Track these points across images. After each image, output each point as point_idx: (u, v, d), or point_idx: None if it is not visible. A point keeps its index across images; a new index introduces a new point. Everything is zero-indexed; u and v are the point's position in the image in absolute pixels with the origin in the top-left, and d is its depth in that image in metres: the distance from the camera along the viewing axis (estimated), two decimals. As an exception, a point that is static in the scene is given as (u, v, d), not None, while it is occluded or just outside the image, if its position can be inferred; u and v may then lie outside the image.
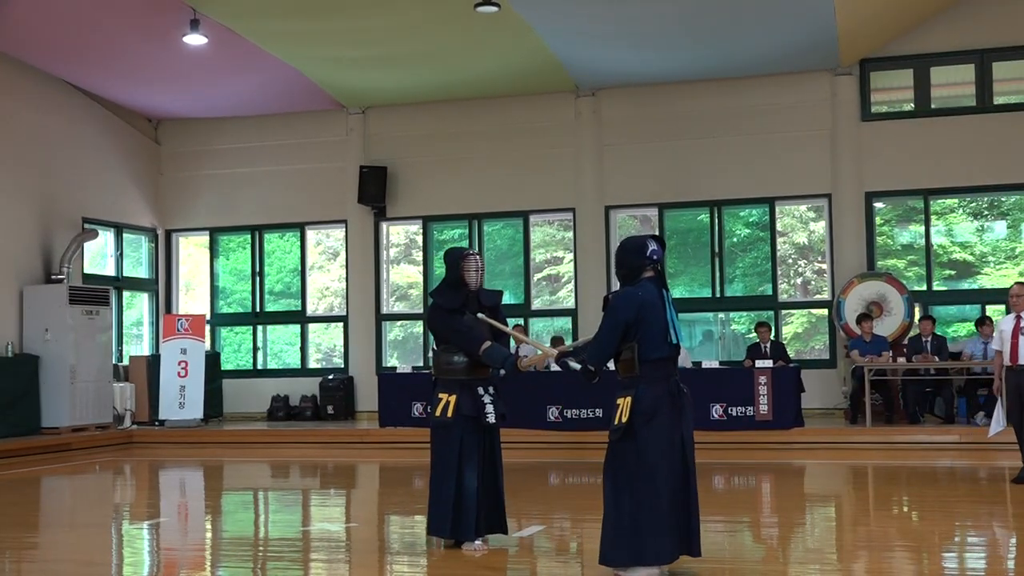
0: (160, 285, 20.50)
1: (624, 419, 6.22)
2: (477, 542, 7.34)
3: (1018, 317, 10.62)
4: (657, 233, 6.61)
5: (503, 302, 7.94)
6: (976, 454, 13.36)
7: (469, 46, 16.26)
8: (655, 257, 6.42)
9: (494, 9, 13.90)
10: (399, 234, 20.27)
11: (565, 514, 9.53)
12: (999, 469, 12.18)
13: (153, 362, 18.41)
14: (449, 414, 7.38)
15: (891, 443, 14.19)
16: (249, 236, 20.36)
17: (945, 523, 8.69)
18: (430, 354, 19.00)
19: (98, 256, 19.18)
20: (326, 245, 20.81)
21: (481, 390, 7.44)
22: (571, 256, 18.86)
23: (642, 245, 6.45)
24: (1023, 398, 10.45)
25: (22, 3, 14.67)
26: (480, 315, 7.45)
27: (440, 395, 7.47)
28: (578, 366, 6.59)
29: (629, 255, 6.48)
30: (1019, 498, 10.06)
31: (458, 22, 15.01)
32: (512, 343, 7.85)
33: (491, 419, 7.40)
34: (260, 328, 20.36)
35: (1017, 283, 11.00)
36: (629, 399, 6.23)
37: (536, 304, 19.00)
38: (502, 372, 7.40)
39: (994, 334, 11.52)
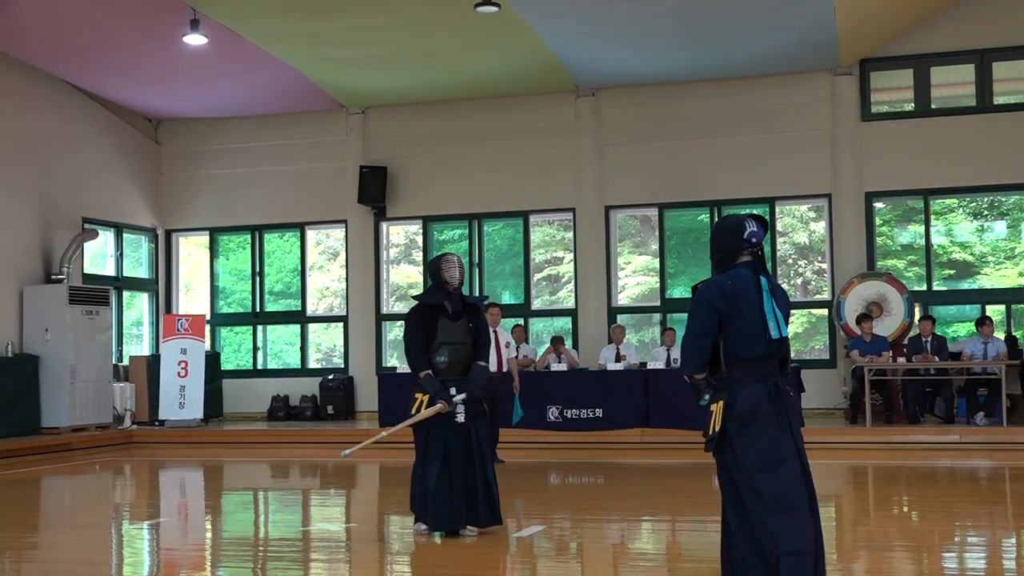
0: (160, 285, 20.50)
1: (717, 428, 5.39)
2: (468, 529, 7.70)
3: None
4: (757, 214, 5.41)
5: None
6: (976, 454, 13.37)
7: (469, 46, 16.27)
8: (754, 240, 5.56)
9: (494, 9, 13.91)
10: (399, 234, 20.27)
11: (565, 514, 9.54)
12: (999, 469, 12.21)
13: (153, 362, 18.41)
14: (423, 413, 7.73)
15: (891, 443, 14.20)
16: (249, 236, 20.37)
17: (945, 523, 8.69)
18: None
19: (98, 256, 19.19)
20: (326, 245, 20.82)
21: (454, 390, 7.74)
22: (571, 256, 18.86)
23: (739, 225, 5.58)
24: None
25: (22, 3, 14.68)
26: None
27: (416, 394, 7.86)
28: (705, 399, 5.54)
29: (724, 236, 5.63)
30: (1019, 498, 10.08)
31: (458, 22, 15.01)
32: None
33: (460, 419, 7.71)
34: (260, 328, 20.36)
35: None
36: (721, 404, 5.39)
37: (536, 304, 18.99)
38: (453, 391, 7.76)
39: None
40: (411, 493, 7.98)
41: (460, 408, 7.72)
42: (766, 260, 5.68)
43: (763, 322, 5.39)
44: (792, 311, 18.67)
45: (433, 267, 8.06)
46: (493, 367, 12.24)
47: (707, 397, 5.50)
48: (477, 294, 16.93)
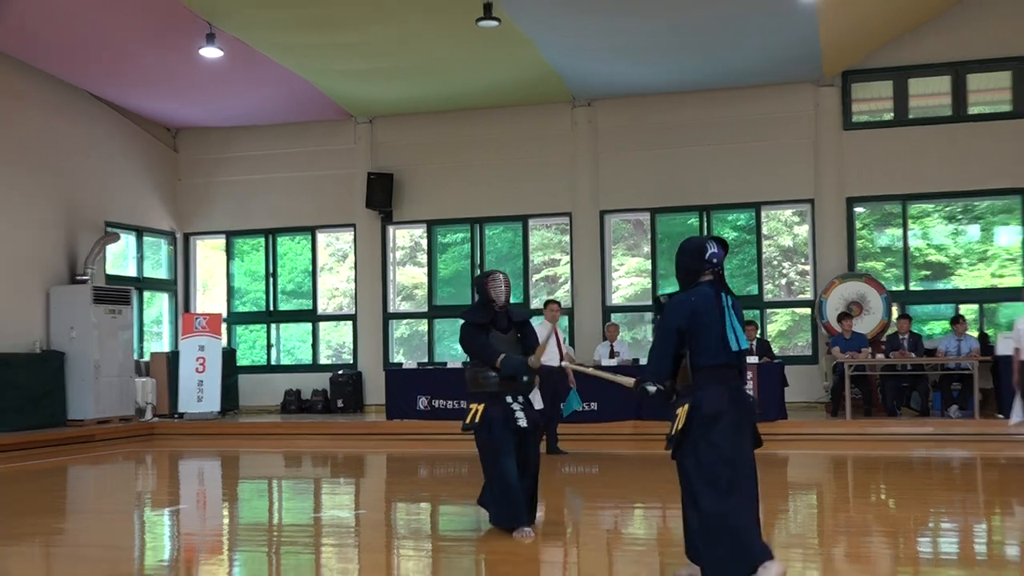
0: (179, 285, 20.53)
1: (680, 427, 5.56)
2: (526, 529, 7.36)
3: None
4: (718, 235, 5.65)
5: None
6: (950, 445, 13.39)
7: (471, 59, 16.30)
8: (715, 260, 5.77)
9: (495, 23, 13.93)
10: (404, 237, 20.30)
11: (562, 501, 9.57)
12: (971, 459, 12.24)
13: (173, 358, 18.44)
14: (477, 419, 7.51)
15: (870, 435, 14.20)
16: (263, 239, 20.39)
17: (920, 510, 8.71)
18: (432, 350, 19.14)
19: (120, 258, 19.21)
20: (335, 247, 20.84)
21: (510, 399, 7.53)
22: (567, 258, 18.89)
23: (701, 247, 5.80)
24: None
25: (50, 21, 14.72)
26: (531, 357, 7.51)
27: (471, 405, 7.62)
28: (653, 389, 5.75)
29: (686, 257, 5.85)
30: (990, 486, 10.12)
31: (461, 36, 15.04)
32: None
33: (522, 423, 7.48)
34: (273, 326, 20.39)
35: None
36: (686, 407, 5.56)
37: (535, 303, 18.98)
38: (525, 378, 7.49)
39: (1012, 333, 11.47)
40: (491, 506, 7.58)
41: (520, 415, 7.49)
42: (725, 278, 5.91)
43: (724, 335, 5.63)
44: (776, 310, 18.84)
45: (480, 285, 7.75)
46: (556, 362, 12.28)
47: (672, 396, 5.76)
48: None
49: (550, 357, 11.97)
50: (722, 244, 5.85)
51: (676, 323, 5.63)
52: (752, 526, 5.52)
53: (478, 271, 18.67)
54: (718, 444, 5.51)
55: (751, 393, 5.68)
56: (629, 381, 6.13)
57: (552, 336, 15.91)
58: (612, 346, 15.81)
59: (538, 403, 12.33)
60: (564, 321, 18.58)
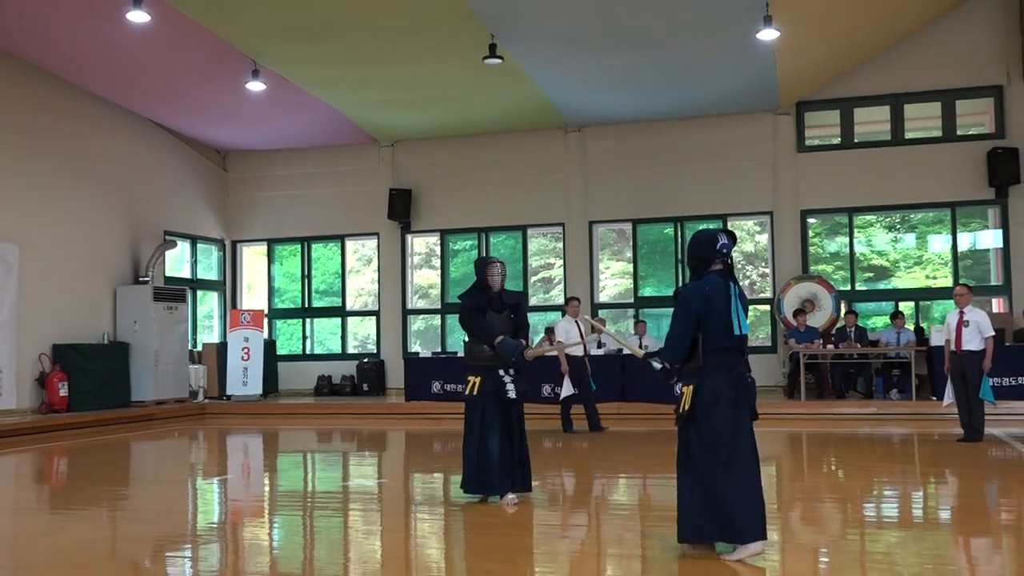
0: (227, 285, 20.51)
1: (687, 407, 5.41)
2: (509, 496, 7.25)
3: (961, 312, 10.70)
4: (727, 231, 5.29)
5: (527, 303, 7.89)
6: (891, 423, 13.37)
7: (478, 91, 16.27)
8: (724, 251, 5.51)
9: (498, 61, 13.91)
10: (421, 244, 20.27)
11: (556, 472, 9.54)
12: (909, 435, 12.21)
13: (221, 348, 18.42)
14: (475, 392, 7.37)
15: (821, 414, 14.18)
16: (299, 246, 20.37)
17: (865, 479, 8.69)
18: (444, 341, 19.09)
19: (176, 262, 19.19)
20: (362, 253, 20.81)
21: (502, 372, 7.36)
22: (561, 262, 18.86)
23: (713, 238, 5.53)
24: (965, 378, 10.58)
25: (119, 59, 14.70)
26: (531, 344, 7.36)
27: (469, 377, 7.45)
28: (658, 366, 5.58)
29: (700, 247, 5.56)
30: (926, 459, 10.08)
31: (469, 72, 15.02)
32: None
33: (511, 395, 7.33)
34: (308, 320, 20.37)
35: (959, 284, 11.09)
36: (691, 388, 5.42)
37: (532, 301, 19.00)
38: (514, 359, 7.34)
39: (944, 326, 11.44)
40: (464, 473, 7.38)
41: (510, 387, 7.31)
42: (734, 268, 5.68)
43: (730, 321, 5.41)
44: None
45: (478, 268, 7.49)
46: (580, 351, 12.23)
47: (677, 382, 5.56)
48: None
49: (575, 348, 11.92)
50: (731, 236, 5.59)
51: (694, 308, 5.39)
52: (748, 502, 5.29)
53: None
54: (717, 424, 5.34)
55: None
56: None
57: (553, 338, 15.95)
58: (599, 338, 15.76)
59: (568, 390, 12.29)
60: (558, 316, 18.56)
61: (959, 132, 16.77)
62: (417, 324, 19.93)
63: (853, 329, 15.33)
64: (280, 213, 20.13)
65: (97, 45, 14.33)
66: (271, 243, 20.48)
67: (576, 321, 12.45)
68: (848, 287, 17.19)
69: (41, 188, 15.69)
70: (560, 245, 18.89)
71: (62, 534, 6.73)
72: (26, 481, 10.12)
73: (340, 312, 20.10)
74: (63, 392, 15.29)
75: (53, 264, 15.79)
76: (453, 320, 19.31)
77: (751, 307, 18.40)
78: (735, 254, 18.22)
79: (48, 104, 15.76)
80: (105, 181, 16.99)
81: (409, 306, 19.61)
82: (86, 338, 16.23)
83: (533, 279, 19.38)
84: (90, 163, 16.68)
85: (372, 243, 20.02)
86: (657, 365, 5.58)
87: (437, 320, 19.55)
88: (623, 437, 12.30)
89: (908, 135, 17.06)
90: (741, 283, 18.21)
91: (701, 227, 18.19)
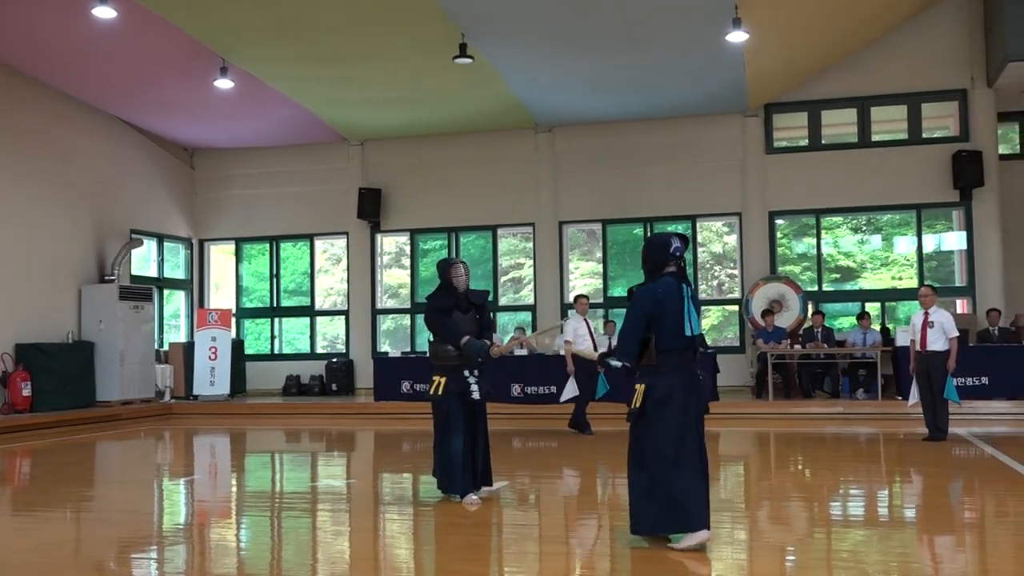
0: (194, 284, 20.34)
1: (638, 404, 5.58)
2: (472, 496, 7.25)
3: (926, 313, 10.82)
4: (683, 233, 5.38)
5: (489, 301, 7.84)
6: (857, 423, 13.48)
7: (448, 90, 16.24)
8: (677, 254, 5.66)
9: (469, 60, 13.89)
10: (391, 244, 20.20)
11: (525, 472, 9.53)
12: (875, 435, 12.31)
13: (188, 347, 18.27)
14: (440, 392, 7.35)
15: (789, 413, 14.28)
16: (268, 245, 20.24)
17: (832, 478, 8.74)
18: (414, 341, 19.04)
19: (143, 260, 19.00)
20: (331, 252, 20.72)
21: (467, 372, 7.37)
22: (531, 262, 18.87)
23: (666, 242, 5.67)
24: (930, 378, 10.70)
25: (84, 55, 14.53)
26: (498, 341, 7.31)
27: (434, 377, 7.43)
28: (618, 364, 5.70)
29: (655, 250, 5.71)
30: (891, 458, 10.18)
31: (439, 71, 14.99)
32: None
33: (475, 395, 7.35)
34: (277, 320, 20.25)
35: (924, 285, 11.20)
36: (643, 386, 5.58)
37: (503, 301, 19.03)
38: (480, 359, 7.34)
39: (909, 327, 11.54)
40: (437, 473, 7.41)
41: (475, 388, 7.31)
42: (687, 268, 5.82)
43: (682, 322, 5.58)
44: (709, 307, 18.86)
45: (442, 270, 7.48)
46: (591, 349, 12.16)
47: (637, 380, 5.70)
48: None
49: (585, 347, 11.89)
50: (683, 239, 5.75)
51: (645, 309, 5.57)
52: (694, 495, 5.48)
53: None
54: (667, 422, 5.51)
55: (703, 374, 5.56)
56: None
57: (524, 336, 15.91)
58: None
59: (572, 390, 12.23)
60: (528, 316, 18.59)
61: (924, 135, 16.96)
62: (387, 324, 19.86)
63: (820, 329, 15.45)
64: (248, 212, 19.99)
65: (63, 41, 14.16)
66: (239, 242, 20.33)
67: (585, 319, 12.38)
68: (815, 288, 17.33)
69: (3, 185, 15.48)
70: (530, 245, 18.91)
71: (25, 535, 6.63)
72: (-12, 482, 9.97)
73: (309, 312, 20.00)
74: (26, 392, 15.10)
75: (16, 262, 15.59)
76: (422, 320, 19.23)
77: (719, 307, 18.54)
78: (704, 255, 18.52)
79: (11, 100, 15.55)
80: (70, 178, 16.79)
81: (378, 306, 19.54)
82: (50, 337, 16.03)
83: (503, 279, 19.38)
84: (55, 160, 16.47)
85: (341, 242, 19.93)
86: (615, 363, 5.72)
87: (407, 320, 19.50)
88: (593, 436, 12.31)
89: (875, 137, 17.22)
90: (710, 283, 18.48)
91: (671, 228, 18.39)
